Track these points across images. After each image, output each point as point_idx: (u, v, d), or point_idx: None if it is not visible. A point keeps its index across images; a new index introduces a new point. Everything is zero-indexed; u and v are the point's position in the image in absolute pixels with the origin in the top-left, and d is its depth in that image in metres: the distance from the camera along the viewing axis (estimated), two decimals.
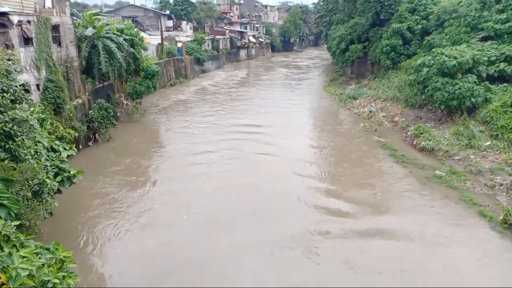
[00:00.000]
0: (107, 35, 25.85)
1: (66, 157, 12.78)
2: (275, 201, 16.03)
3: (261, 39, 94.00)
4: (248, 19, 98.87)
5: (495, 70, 24.10)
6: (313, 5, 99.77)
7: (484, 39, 26.96)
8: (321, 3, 62.14)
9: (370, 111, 30.51)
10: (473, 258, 12.31)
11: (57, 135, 16.15)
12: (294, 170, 19.25)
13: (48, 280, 5.32)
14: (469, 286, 10.94)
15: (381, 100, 31.86)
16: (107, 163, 20.32)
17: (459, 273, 11.51)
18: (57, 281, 5.40)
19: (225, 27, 79.55)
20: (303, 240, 13.16)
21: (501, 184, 16.57)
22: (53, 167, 11.13)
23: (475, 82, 22.73)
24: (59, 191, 11.94)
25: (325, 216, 14.90)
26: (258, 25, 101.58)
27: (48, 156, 11.28)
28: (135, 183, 17.86)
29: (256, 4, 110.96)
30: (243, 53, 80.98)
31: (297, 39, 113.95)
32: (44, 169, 9.88)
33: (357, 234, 13.55)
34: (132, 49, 27.89)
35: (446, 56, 23.46)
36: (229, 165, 20.32)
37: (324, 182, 18.22)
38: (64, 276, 5.62)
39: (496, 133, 20.28)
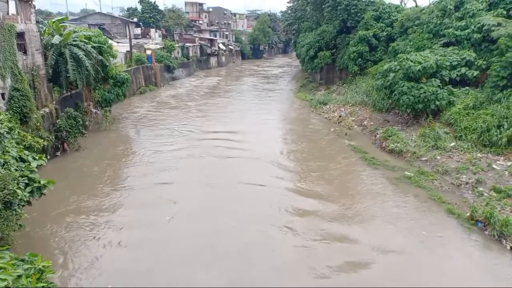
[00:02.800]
0: (74, 42, 25.25)
1: (36, 167, 12.40)
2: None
3: (231, 47, 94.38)
4: (217, 27, 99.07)
5: (457, 74, 25.27)
6: (281, 13, 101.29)
7: (446, 45, 28.20)
8: (289, 11, 63.31)
9: (340, 116, 31.18)
10: (445, 253, 12.77)
11: (25, 144, 15.60)
12: (272, 184, 18.03)
13: None
14: (443, 279, 11.36)
15: (350, 105, 32.64)
16: (75, 174, 19.64)
17: (432, 268, 11.93)
18: None
19: (194, 35, 79.37)
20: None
21: (467, 183, 17.30)
22: (23, 177, 10.75)
23: (439, 86, 23.71)
24: (28, 202, 11.56)
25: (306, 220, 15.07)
26: (227, 33, 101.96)
27: (17, 166, 10.90)
28: (102, 204, 16.22)
29: (225, 12, 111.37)
30: (213, 60, 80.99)
31: (267, 47, 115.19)
32: (14, 180, 9.53)
33: (331, 233, 13.79)
34: (100, 57, 27.33)
35: (411, 61, 24.37)
36: (201, 183, 18.60)
37: (300, 186, 18.41)
38: (43, 287, 5.46)
39: (460, 134, 21.19)
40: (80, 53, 24.64)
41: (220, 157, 22.47)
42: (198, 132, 28.07)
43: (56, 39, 24.09)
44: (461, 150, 20.07)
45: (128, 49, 46.80)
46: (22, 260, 6.23)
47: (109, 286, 9.50)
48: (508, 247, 12.78)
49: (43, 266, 5.86)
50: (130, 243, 13.35)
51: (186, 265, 12.04)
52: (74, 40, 25.34)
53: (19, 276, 5.53)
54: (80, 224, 14.48)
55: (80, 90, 26.77)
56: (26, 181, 11.24)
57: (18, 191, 9.54)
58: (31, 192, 11.54)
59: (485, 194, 16.12)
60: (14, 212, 9.36)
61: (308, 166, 21.06)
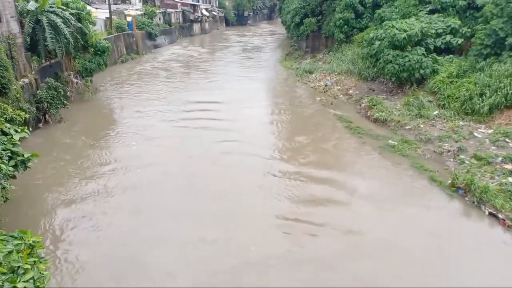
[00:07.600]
0: (51, 9, 24.23)
1: (19, 140, 12.16)
2: None
3: (214, 13, 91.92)
4: None
5: (442, 42, 25.27)
6: None
7: (432, 12, 28.02)
8: None
9: (326, 85, 31.11)
10: (427, 218, 13.20)
11: (6, 117, 15.21)
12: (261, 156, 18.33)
13: (19, 266, 5.18)
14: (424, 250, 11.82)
15: (336, 73, 32.53)
16: (58, 147, 19.33)
17: (414, 233, 12.39)
18: (28, 266, 5.27)
19: (176, 0, 76.83)
20: None
21: (449, 151, 17.70)
22: (6, 151, 10.55)
23: (423, 54, 23.76)
24: (13, 176, 11.43)
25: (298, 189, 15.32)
26: None
27: None
28: (85, 176, 16.08)
29: None
30: (196, 27, 78.97)
31: (251, 13, 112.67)
32: None
33: (318, 199, 14.10)
34: (79, 24, 26.41)
35: (397, 29, 24.25)
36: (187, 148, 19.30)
37: (286, 154, 18.57)
38: (35, 262, 5.49)
39: (443, 103, 21.48)
40: (58, 20, 23.73)
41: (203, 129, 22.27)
42: (182, 102, 27.74)
43: (32, 5, 23.07)
44: (444, 119, 20.42)
45: (108, 15, 45.13)
46: (12, 236, 6.22)
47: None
48: (487, 213, 13.28)
49: (33, 241, 5.87)
50: (114, 215, 13.47)
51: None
52: (50, 7, 24.31)
53: (10, 252, 5.55)
54: (65, 197, 14.44)
55: (60, 60, 25.95)
56: (10, 155, 11.06)
57: (2, 165, 9.39)
58: (15, 165, 11.38)
59: (466, 161, 16.56)
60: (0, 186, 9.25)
61: (293, 136, 21.15)
